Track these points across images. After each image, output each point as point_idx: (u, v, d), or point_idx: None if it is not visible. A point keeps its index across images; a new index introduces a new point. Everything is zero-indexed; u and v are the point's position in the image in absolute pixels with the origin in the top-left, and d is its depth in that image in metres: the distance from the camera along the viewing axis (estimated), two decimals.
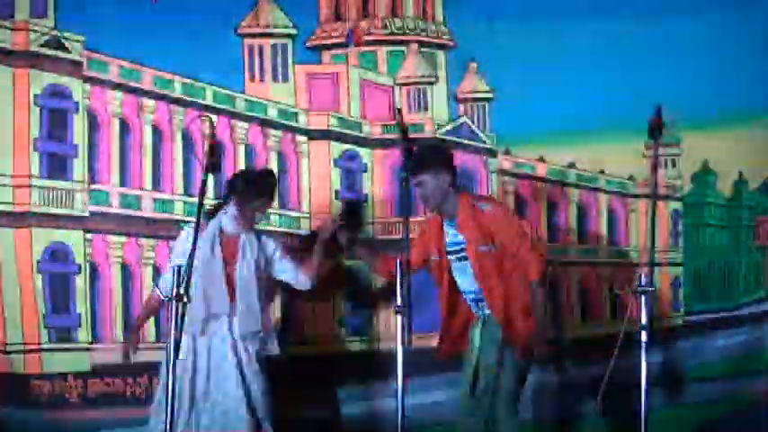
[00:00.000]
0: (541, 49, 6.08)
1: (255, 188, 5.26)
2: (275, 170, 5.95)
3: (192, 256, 4.73)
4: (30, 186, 5.83)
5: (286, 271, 5.38)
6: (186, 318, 4.60)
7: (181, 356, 4.78)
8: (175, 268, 4.57)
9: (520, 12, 6.10)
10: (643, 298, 4.76)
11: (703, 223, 6.50)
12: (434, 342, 5.30)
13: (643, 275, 4.77)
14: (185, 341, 5.03)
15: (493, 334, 5.05)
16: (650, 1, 6.13)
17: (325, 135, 6.36)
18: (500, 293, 5.00)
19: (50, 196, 5.88)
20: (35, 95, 5.83)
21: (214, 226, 5.28)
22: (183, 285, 4.53)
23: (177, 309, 4.53)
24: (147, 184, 6.08)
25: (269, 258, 5.35)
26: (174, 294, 4.52)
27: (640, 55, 6.08)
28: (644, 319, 4.76)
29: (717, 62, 6.03)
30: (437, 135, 6.37)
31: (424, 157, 5.07)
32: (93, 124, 6.00)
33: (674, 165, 6.49)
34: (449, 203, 5.08)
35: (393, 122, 6.30)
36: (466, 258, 5.05)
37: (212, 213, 5.32)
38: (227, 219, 5.30)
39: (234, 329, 5.21)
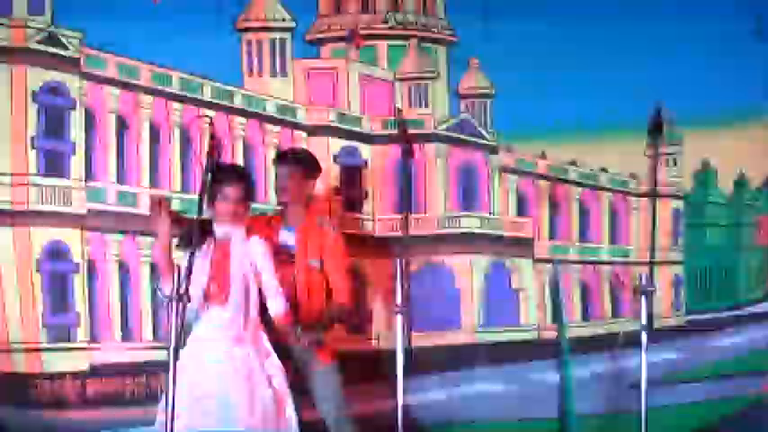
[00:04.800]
0: (543, 47, 6.04)
1: (213, 179, 5.10)
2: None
3: (192, 255, 4.70)
4: (27, 184, 5.79)
5: (267, 288, 5.19)
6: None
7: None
8: (176, 268, 4.54)
9: (521, 10, 6.06)
10: (643, 298, 4.76)
11: (704, 222, 6.49)
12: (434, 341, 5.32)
13: (643, 275, 4.77)
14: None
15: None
16: (651, 1, 6.08)
17: (325, 131, 6.31)
18: (309, 305, 5.13)
19: (48, 194, 5.84)
20: (32, 92, 5.77)
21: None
22: (183, 286, 4.50)
23: (177, 309, 4.51)
24: (145, 181, 6.03)
25: (253, 261, 5.17)
26: (175, 294, 4.49)
27: (641, 55, 6.04)
28: (644, 319, 4.76)
29: (717, 62, 6.00)
30: (438, 131, 6.34)
31: (308, 158, 5.24)
32: (91, 121, 5.94)
33: (674, 163, 6.47)
34: (298, 210, 5.20)
35: (393, 118, 6.26)
36: (289, 264, 5.16)
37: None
38: (215, 224, 5.18)
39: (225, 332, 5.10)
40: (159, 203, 4.98)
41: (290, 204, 5.29)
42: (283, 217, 5.31)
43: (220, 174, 5.16)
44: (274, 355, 5.06)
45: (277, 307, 5.11)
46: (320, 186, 6.00)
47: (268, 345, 5.08)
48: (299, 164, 5.24)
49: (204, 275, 4.94)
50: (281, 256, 5.21)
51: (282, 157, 5.28)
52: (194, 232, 4.74)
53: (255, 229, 5.25)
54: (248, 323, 5.05)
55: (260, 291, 5.10)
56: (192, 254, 4.71)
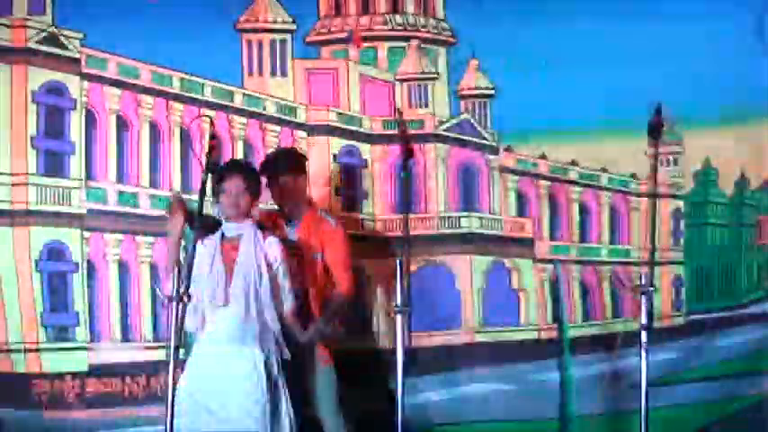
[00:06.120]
0: (543, 46, 6.05)
1: (217, 175, 5.09)
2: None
3: (192, 256, 4.69)
4: (27, 184, 5.80)
5: (279, 287, 5.13)
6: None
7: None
8: (176, 269, 4.53)
9: (521, 8, 6.07)
10: (643, 298, 4.76)
11: (705, 222, 6.49)
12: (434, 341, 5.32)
13: (643, 275, 4.77)
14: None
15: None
16: (650, 1, 6.09)
17: (325, 131, 6.32)
18: (317, 298, 5.23)
19: (48, 194, 5.85)
20: (32, 92, 5.80)
21: (217, 234, 5.18)
22: (184, 286, 4.50)
23: (177, 309, 4.50)
24: (145, 181, 6.04)
25: (270, 262, 5.15)
26: (175, 295, 4.49)
27: (641, 54, 6.04)
28: (644, 319, 4.76)
29: (717, 62, 6.00)
30: (438, 131, 6.34)
31: (289, 158, 5.38)
32: (91, 121, 5.96)
33: (675, 163, 6.47)
34: (299, 206, 5.23)
35: (393, 118, 6.28)
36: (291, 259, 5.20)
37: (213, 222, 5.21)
38: (224, 222, 5.18)
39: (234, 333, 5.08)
40: (178, 201, 5.01)
41: (289, 203, 5.35)
42: (284, 213, 5.37)
43: (221, 169, 5.18)
44: (281, 352, 5.04)
45: (286, 306, 5.10)
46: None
47: (275, 344, 5.05)
48: (283, 169, 5.30)
49: (211, 274, 4.95)
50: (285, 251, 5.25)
51: (264, 167, 5.32)
52: (199, 230, 4.76)
53: (266, 226, 5.28)
54: (250, 321, 5.04)
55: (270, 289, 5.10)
56: (193, 254, 4.72)
